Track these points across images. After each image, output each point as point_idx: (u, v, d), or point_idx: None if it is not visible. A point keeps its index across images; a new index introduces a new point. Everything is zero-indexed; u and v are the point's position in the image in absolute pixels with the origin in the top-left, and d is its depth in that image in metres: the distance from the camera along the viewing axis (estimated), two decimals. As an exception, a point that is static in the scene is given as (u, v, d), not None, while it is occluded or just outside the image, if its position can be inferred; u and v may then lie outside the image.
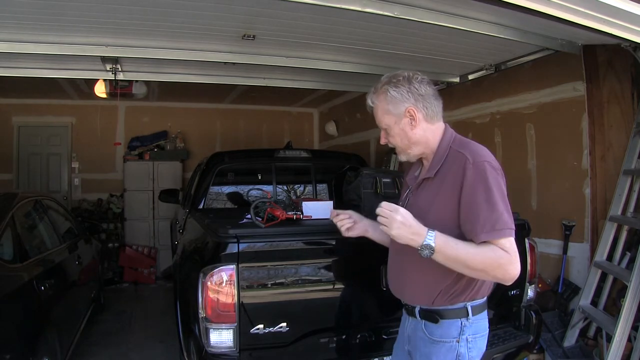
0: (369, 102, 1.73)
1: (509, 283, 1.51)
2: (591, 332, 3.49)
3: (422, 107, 1.63)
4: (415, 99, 1.63)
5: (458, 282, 1.59)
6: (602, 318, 3.23)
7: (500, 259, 1.46)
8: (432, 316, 1.63)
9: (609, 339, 2.97)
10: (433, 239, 1.46)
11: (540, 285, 3.68)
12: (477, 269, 1.48)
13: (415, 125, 1.64)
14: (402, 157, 1.75)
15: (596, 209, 3.55)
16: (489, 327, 1.71)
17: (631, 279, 2.91)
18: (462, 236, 1.51)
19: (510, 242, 1.48)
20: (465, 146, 1.61)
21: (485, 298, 1.67)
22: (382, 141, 1.76)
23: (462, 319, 1.60)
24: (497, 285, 1.87)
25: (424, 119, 1.65)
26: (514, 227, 1.49)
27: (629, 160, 3.34)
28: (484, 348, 1.67)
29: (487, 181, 1.49)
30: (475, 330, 1.61)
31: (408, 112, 1.63)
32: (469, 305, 1.60)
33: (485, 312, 1.68)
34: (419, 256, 1.48)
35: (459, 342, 1.59)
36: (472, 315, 1.60)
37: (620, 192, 3.36)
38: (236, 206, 4.14)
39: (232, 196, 4.29)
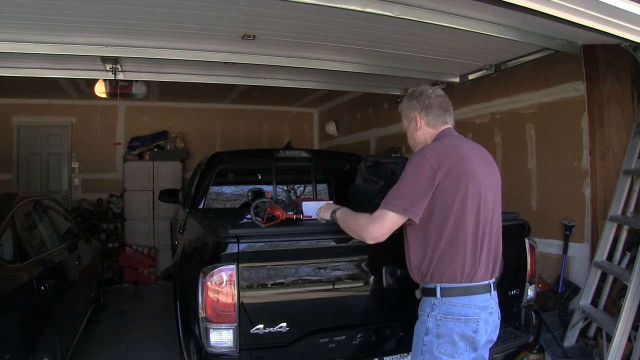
0: (399, 109, 2.19)
1: (366, 241, 1.92)
2: (591, 332, 3.49)
3: (425, 115, 2.05)
4: (420, 108, 2.06)
5: (422, 262, 1.90)
6: (602, 318, 3.23)
7: (365, 220, 1.92)
8: (421, 292, 1.96)
9: (609, 339, 2.97)
10: (335, 214, 2.14)
11: (540, 285, 3.68)
12: (350, 229, 2.03)
13: (418, 129, 2.08)
14: None
15: (596, 209, 3.55)
16: (476, 317, 1.83)
17: (631, 279, 2.91)
18: (427, 208, 1.84)
19: (380, 212, 1.87)
20: (431, 142, 2.02)
21: (463, 284, 1.84)
22: None
23: (432, 298, 1.88)
24: (497, 285, 1.95)
25: (426, 125, 2.06)
26: (398, 205, 1.83)
27: (629, 160, 3.34)
28: (460, 332, 1.82)
29: (407, 167, 1.90)
30: (445, 312, 1.84)
31: (414, 118, 2.08)
32: (438, 286, 1.86)
33: (467, 298, 1.84)
34: (406, 240, 1.97)
35: (428, 317, 1.88)
36: (442, 296, 1.85)
37: (620, 192, 3.36)
38: (236, 206, 4.14)
39: (232, 196, 4.30)
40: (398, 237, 1.97)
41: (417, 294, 1.99)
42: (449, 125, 2.06)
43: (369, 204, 2.10)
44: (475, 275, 1.86)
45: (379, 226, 1.87)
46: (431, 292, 1.88)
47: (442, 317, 1.84)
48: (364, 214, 1.95)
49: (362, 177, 2.44)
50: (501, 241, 2.02)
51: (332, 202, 2.33)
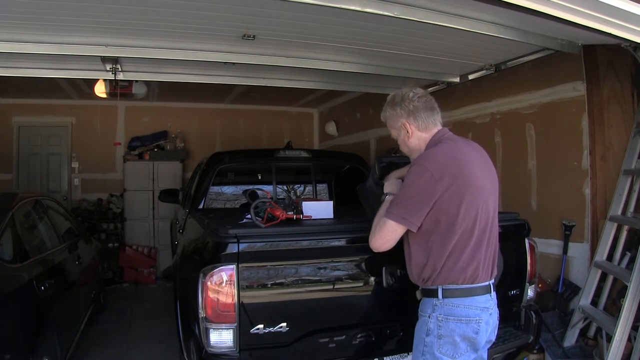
0: (382, 118, 2.11)
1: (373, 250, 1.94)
2: (591, 332, 3.49)
3: (413, 120, 1.98)
4: (407, 114, 1.98)
5: (423, 269, 1.89)
6: (602, 318, 3.23)
7: (374, 226, 1.94)
8: (421, 293, 1.96)
9: (609, 339, 2.97)
10: (385, 198, 2.03)
11: (540, 285, 3.68)
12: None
13: (410, 136, 2.00)
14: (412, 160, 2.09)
15: (596, 209, 3.55)
16: (477, 318, 1.84)
17: (631, 279, 2.91)
18: (429, 218, 1.83)
19: (383, 221, 1.89)
20: (428, 148, 1.96)
21: (465, 286, 1.85)
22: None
23: (434, 299, 1.88)
24: (497, 285, 1.97)
25: (417, 130, 1.99)
26: (397, 214, 1.85)
27: (629, 160, 3.34)
28: (462, 333, 1.82)
29: (408, 177, 1.89)
30: (447, 313, 1.85)
31: (403, 125, 2.00)
32: (440, 287, 1.86)
33: (469, 299, 1.85)
34: (407, 246, 1.96)
35: (430, 318, 1.88)
36: (443, 297, 1.86)
37: (620, 192, 3.35)
38: (236, 206, 4.14)
39: (232, 196, 4.30)
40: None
41: (418, 294, 1.99)
42: (440, 126, 2.02)
43: (377, 206, 2.09)
44: (477, 277, 1.87)
45: (379, 237, 1.91)
46: (433, 293, 1.89)
47: (443, 318, 1.85)
48: (380, 221, 1.93)
49: (374, 180, 2.37)
50: (498, 241, 2.02)
51: (397, 183, 2.09)
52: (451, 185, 1.81)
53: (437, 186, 1.80)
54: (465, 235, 1.84)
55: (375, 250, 1.94)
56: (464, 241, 1.84)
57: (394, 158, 2.49)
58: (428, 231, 1.86)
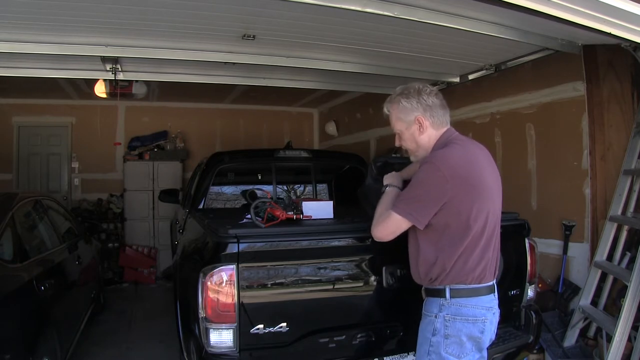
0: (385, 109, 2.05)
1: (373, 237, 1.97)
2: (591, 332, 3.49)
3: (430, 116, 1.94)
4: (424, 109, 1.93)
5: (432, 268, 1.87)
6: (602, 318, 3.23)
7: (377, 216, 1.96)
8: (426, 292, 1.96)
9: (609, 339, 2.97)
10: (386, 189, 2.06)
11: (540, 285, 3.68)
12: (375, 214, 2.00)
13: (422, 132, 1.96)
14: (412, 158, 2.09)
15: (596, 209, 3.55)
16: (483, 317, 1.84)
17: (631, 279, 2.91)
18: (440, 218, 1.83)
19: (389, 213, 1.89)
20: (438, 148, 1.92)
21: (473, 285, 1.85)
22: (397, 143, 2.08)
23: (441, 299, 1.87)
24: (497, 285, 1.96)
25: (430, 126, 1.95)
26: (404, 208, 1.85)
27: (629, 160, 3.34)
28: (468, 333, 1.83)
29: (419, 174, 1.87)
30: (454, 312, 1.84)
31: (417, 120, 1.94)
32: (447, 287, 1.86)
33: (475, 299, 1.85)
34: (415, 245, 1.94)
35: (436, 318, 1.87)
36: (451, 297, 1.85)
37: (620, 192, 3.36)
38: (236, 206, 4.14)
39: (232, 196, 4.30)
40: (399, 237, 1.96)
41: (424, 294, 1.99)
42: (448, 125, 2.00)
43: (378, 202, 2.09)
44: (483, 277, 1.87)
45: (382, 227, 1.91)
46: (440, 293, 1.88)
47: (450, 318, 1.85)
48: (385, 212, 1.94)
49: (373, 177, 2.39)
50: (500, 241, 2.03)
51: (397, 175, 2.13)
52: (462, 188, 1.81)
53: (447, 186, 1.79)
54: (477, 237, 1.85)
55: (377, 240, 1.96)
56: (475, 242, 1.85)
57: (390, 158, 2.50)
58: (439, 231, 1.85)
